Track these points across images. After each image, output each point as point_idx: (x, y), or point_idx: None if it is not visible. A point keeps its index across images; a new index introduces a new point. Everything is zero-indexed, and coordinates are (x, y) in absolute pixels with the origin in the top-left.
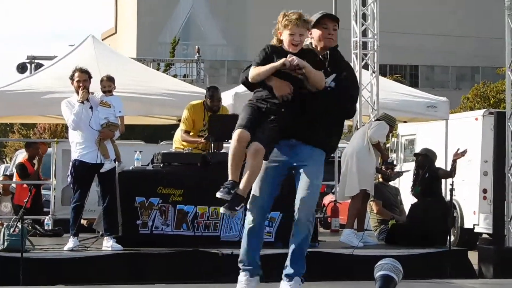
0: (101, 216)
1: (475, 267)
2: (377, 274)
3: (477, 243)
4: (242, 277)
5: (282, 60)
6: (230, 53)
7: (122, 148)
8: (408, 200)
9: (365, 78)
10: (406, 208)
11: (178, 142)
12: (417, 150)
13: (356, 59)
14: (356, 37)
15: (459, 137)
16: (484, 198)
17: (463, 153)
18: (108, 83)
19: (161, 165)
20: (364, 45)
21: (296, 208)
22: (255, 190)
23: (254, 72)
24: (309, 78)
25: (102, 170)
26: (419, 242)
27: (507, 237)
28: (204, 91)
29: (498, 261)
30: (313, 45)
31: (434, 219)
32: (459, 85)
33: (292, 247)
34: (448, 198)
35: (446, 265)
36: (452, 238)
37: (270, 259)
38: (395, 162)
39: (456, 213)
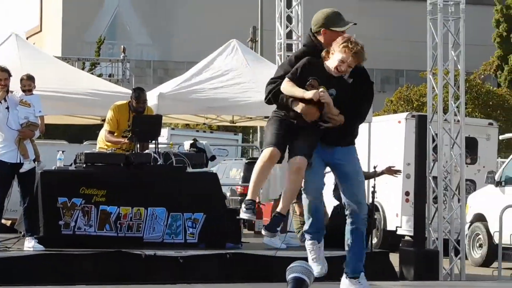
0: (22, 216)
1: (397, 269)
2: (289, 276)
3: (400, 245)
4: (311, 245)
5: (313, 93)
6: (156, 53)
7: (44, 147)
8: (331, 203)
9: None
10: (329, 210)
11: (102, 143)
12: None
13: (280, 61)
14: (281, 39)
15: (383, 140)
16: (407, 200)
17: (396, 173)
18: (28, 82)
19: (84, 165)
20: (289, 47)
21: (350, 209)
22: (305, 180)
23: (287, 88)
24: (327, 113)
25: (21, 170)
26: (340, 244)
27: (428, 240)
28: (130, 91)
29: (419, 263)
30: (323, 45)
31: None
32: (384, 88)
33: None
34: (370, 200)
35: (368, 267)
36: (375, 240)
37: (193, 260)
38: None
39: (379, 215)
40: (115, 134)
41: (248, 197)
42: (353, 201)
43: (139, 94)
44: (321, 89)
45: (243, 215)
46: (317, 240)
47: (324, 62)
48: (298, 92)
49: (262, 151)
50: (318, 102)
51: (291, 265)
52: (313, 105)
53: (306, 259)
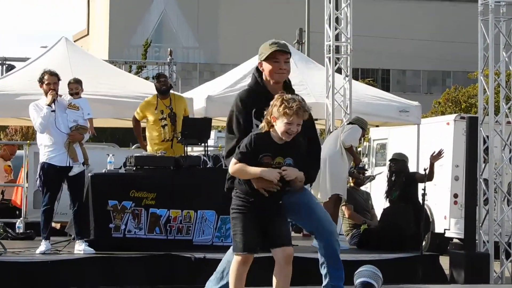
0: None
1: (447, 272)
2: (357, 281)
3: (448, 248)
4: None
5: (273, 176)
6: (202, 56)
7: (93, 151)
8: (379, 205)
9: (338, 82)
10: (377, 212)
11: (150, 141)
12: (389, 154)
13: (330, 63)
14: (330, 41)
15: (431, 142)
16: (455, 203)
17: (439, 153)
18: (75, 86)
19: (134, 168)
20: (337, 49)
21: (322, 234)
22: None
23: (239, 172)
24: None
25: (70, 174)
26: (391, 246)
27: (478, 242)
28: (176, 93)
29: (469, 266)
30: (265, 79)
31: (406, 223)
32: (430, 90)
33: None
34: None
35: (418, 270)
36: (424, 242)
37: None
38: (366, 167)
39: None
40: (152, 121)
41: None
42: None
43: (158, 74)
44: (282, 169)
45: None
46: None
47: (270, 132)
48: (253, 172)
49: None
50: (280, 179)
51: (360, 269)
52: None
53: (358, 262)
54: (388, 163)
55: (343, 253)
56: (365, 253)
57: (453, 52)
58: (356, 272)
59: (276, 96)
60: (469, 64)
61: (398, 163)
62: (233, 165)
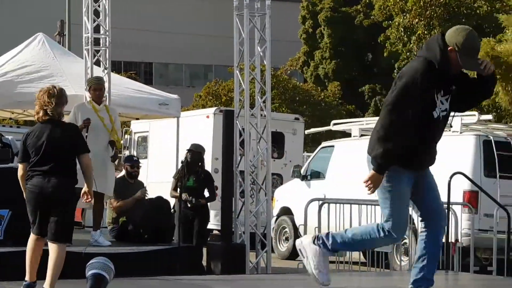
0: None
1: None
2: (89, 273)
3: (208, 239)
4: None
5: None
6: None
7: None
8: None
9: (97, 74)
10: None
11: None
12: (150, 147)
13: (88, 55)
14: (88, 33)
15: (192, 134)
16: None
17: None
18: None
19: None
20: (96, 41)
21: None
22: (400, 215)
23: None
24: None
25: None
26: (149, 239)
27: (235, 234)
28: None
29: (226, 257)
30: None
31: (164, 215)
32: (193, 83)
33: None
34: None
35: (176, 262)
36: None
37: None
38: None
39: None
40: None
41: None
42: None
43: None
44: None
45: None
46: None
47: None
48: None
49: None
50: None
51: (91, 261)
52: None
53: (117, 255)
54: (186, 152)
55: (103, 246)
56: (124, 246)
57: (215, 47)
58: (88, 264)
59: None
60: (230, 58)
61: (194, 154)
62: None
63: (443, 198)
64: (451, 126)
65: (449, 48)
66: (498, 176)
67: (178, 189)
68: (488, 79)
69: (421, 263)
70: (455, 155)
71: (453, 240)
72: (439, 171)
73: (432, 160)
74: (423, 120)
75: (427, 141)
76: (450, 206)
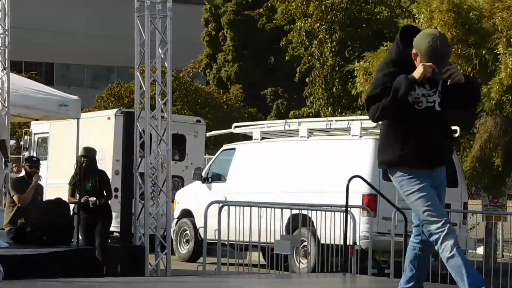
0: None
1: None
2: None
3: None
4: None
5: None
6: None
7: None
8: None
9: None
10: None
11: None
12: (51, 148)
13: None
14: None
15: (93, 136)
16: (115, 197)
17: None
18: None
19: None
20: None
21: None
22: (440, 213)
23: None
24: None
25: None
26: (48, 240)
27: (134, 236)
28: None
29: (125, 259)
30: None
31: (63, 217)
32: (95, 84)
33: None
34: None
35: (74, 264)
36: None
37: None
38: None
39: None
40: None
41: None
42: None
43: None
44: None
45: None
46: None
47: None
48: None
49: None
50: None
51: None
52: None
53: (14, 257)
54: (79, 158)
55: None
56: (21, 248)
57: (117, 48)
58: None
59: None
60: (132, 60)
61: (89, 160)
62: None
63: (341, 201)
64: (350, 130)
65: (413, 52)
66: None
67: (77, 195)
68: (470, 89)
69: (411, 272)
70: (354, 158)
71: (351, 243)
72: (338, 175)
73: (443, 155)
74: (405, 111)
75: (418, 132)
76: (349, 209)
